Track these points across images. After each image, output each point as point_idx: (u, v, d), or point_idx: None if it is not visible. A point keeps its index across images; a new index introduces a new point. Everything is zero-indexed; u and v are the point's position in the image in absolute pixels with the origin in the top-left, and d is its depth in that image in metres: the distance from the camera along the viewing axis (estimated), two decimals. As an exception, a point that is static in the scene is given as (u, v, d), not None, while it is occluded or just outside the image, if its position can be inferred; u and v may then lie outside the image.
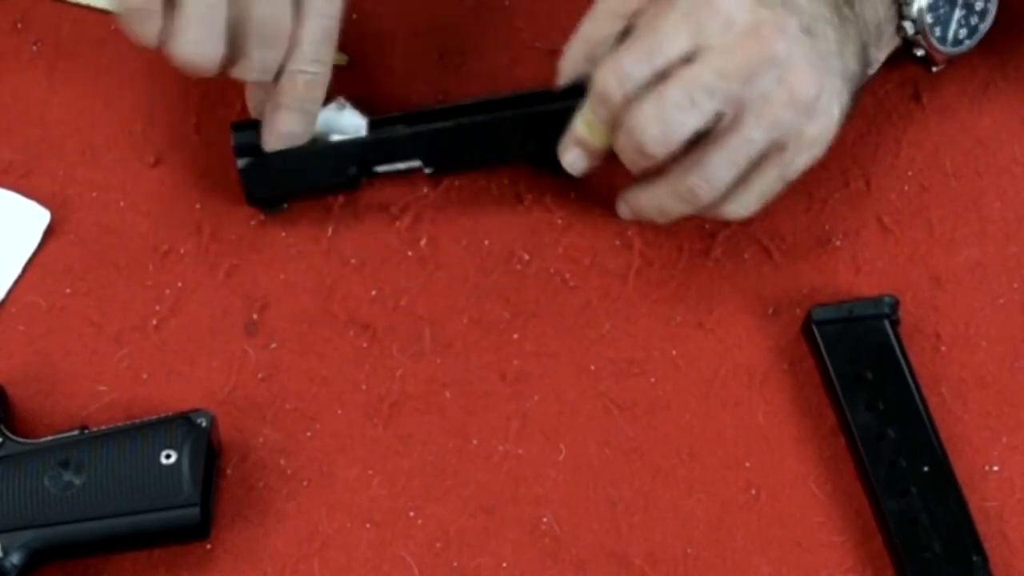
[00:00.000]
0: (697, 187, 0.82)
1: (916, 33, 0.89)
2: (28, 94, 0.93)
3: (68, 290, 0.88)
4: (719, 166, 0.82)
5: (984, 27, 0.91)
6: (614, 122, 0.83)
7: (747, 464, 0.85)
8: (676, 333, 0.88)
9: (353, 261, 0.89)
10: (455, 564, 0.82)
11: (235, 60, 0.83)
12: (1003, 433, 0.85)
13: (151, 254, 0.89)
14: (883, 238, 0.90)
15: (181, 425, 0.81)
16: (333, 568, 0.82)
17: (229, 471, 0.84)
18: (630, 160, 0.83)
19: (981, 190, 0.91)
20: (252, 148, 0.86)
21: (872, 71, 0.88)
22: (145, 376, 0.86)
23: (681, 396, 0.86)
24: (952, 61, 0.92)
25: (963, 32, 0.90)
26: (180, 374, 0.86)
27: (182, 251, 0.89)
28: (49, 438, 0.81)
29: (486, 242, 0.90)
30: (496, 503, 0.84)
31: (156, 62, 0.93)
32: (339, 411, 0.86)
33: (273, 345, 0.87)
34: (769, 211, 0.89)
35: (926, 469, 0.82)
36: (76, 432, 0.81)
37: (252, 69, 0.83)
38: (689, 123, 0.80)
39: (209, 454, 0.81)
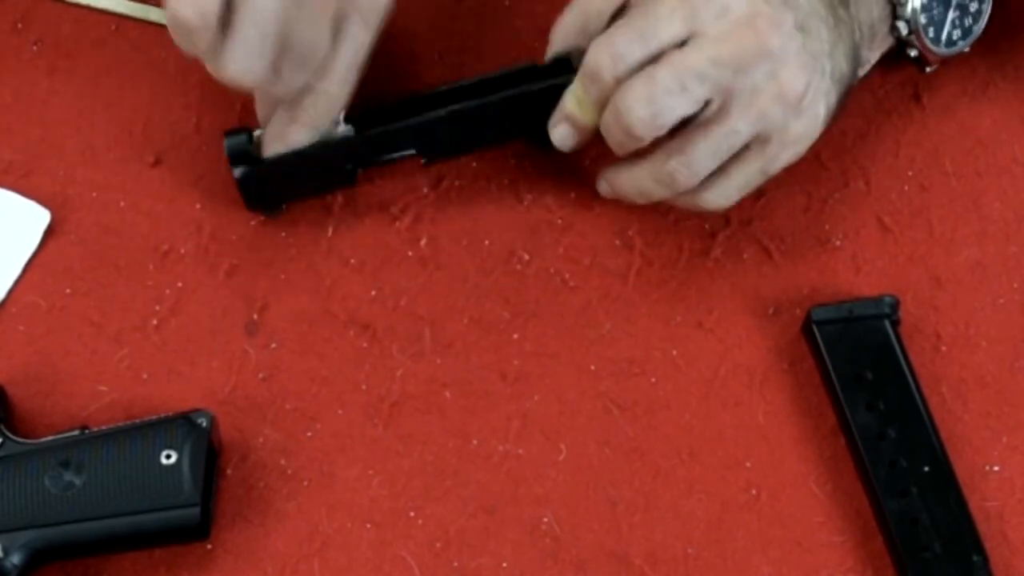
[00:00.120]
0: (677, 172, 0.82)
1: (910, 34, 0.89)
2: (28, 94, 0.93)
3: (68, 290, 0.88)
4: (701, 153, 0.82)
5: (978, 28, 0.91)
6: (603, 101, 0.83)
7: (747, 464, 0.85)
8: (676, 333, 0.88)
9: (353, 261, 0.89)
10: (455, 564, 0.82)
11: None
12: (1003, 433, 0.85)
13: (151, 254, 0.89)
14: (883, 238, 0.90)
15: (181, 425, 0.81)
16: (333, 568, 0.82)
17: (229, 471, 0.84)
18: (616, 141, 0.83)
19: (981, 190, 0.91)
20: (246, 155, 0.86)
21: (863, 72, 0.88)
22: (145, 376, 0.86)
23: (681, 396, 0.86)
24: (946, 61, 0.92)
25: (957, 33, 0.91)
26: (180, 374, 0.86)
27: (182, 251, 0.89)
28: (49, 438, 0.81)
29: (486, 242, 0.90)
30: (496, 503, 0.84)
31: (156, 62, 0.93)
32: (339, 411, 0.86)
33: (273, 345, 0.87)
34: (769, 211, 0.90)
35: (926, 469, 0.82)
36: (76, 432, 0.81)
37: (281, 85, 0.83)
38: (678, 108, 0.80)
39: (209, 454, 0.81)
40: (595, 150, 0.87)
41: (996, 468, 0.85)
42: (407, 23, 0.95)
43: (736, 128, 0.81)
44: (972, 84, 0.94)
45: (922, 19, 0.89)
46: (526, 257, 0.89)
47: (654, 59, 0.81)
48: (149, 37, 0.94)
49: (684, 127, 0.82)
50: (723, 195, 0.84)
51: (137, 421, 0.82)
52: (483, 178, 0.91)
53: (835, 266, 0.89)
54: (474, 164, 0.91)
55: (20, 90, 0.93)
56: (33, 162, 0.91)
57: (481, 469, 0.84)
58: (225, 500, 0.83)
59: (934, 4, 0.89)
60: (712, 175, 0.83)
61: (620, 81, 0.81)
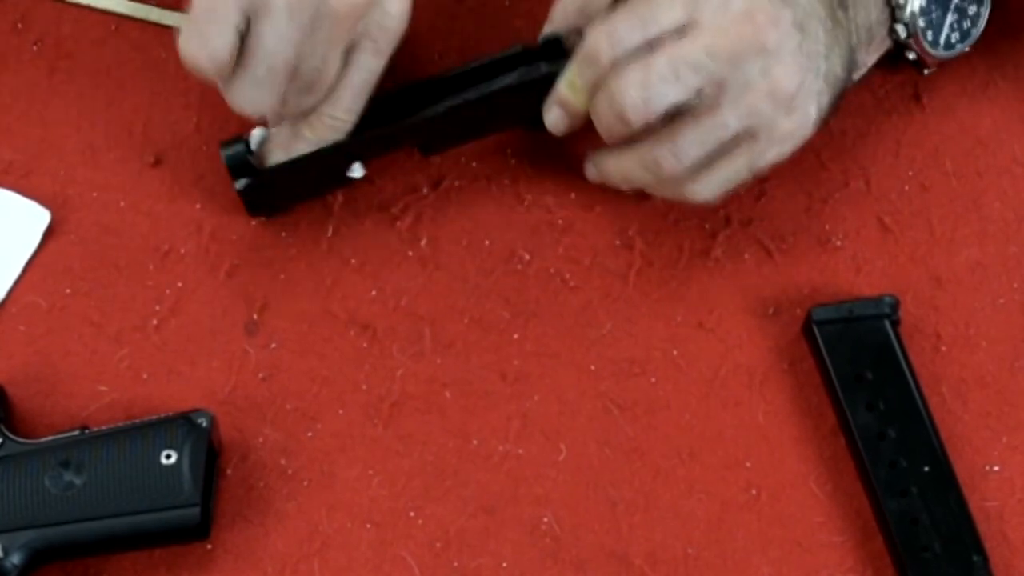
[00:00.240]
0: (664, 160, 0.82)
1: (908, 37, 0.89)
2: (28, 94, 0.93)
3: (68, 290, 0.88)
4: (689, 143, 0.82)
5: (976, 31, 0.91)
6: (597, 85, 0.83)
7: (747, 464, 0.85)
8: (676, 333, 0.88)
9: (353, 261, 0.89)
10: (455, 564, 0.82)
11: None
12: (1003, 433, 0.85)
13: (151, 254, 0.89)
14: (883, 238, 0.90)
15: (181, 425, 0.81)
16: (333, 568, 0.82)
17: (229, 471, 0.84)
18: (606, 125, 0.83)
19: (981, 190, 0.91)
20: (246, 165, 0.86)
21: (859, 75, 0.88)
22: (145, 376, 0.86)
23: (681, 396, 0.86)
24: (944, 63, 0.92)
25: (955, 36, 0.91)
26: (180, 374, 0.86)
27: (182, 251, 0.89)
28: (49, 438, 0.81)
29: (486, 242, 0.90)
30: (496, 503, 0.84)
31: (156, 62, 0.93)
32: (339, 411, 0.86)
33: (273, 345, 0.87)
34: (770, 211, 0.90)
35: (926, 469, 0.82)
36: (76, 432, 0.81)
37: (288, 109, 0.84)
38: (671, 95, 0.80)
39: (209, 454, 0.81)
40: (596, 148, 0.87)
41: (996, 468, 0.85)
42: (407, 23, 0.95)
43: (725, 121, 0.81)
44: (972, 84, 0.94)
45: (921, 22, 0.89)
46: (526, 257, 0.89)
47: (651, 47, 0.81)
48: (149, 37, 0.94)
49: (674, 117, 0.82)
50: (707, 188, 0.84)
51: (137, 421, 0.82)
52: (483, 178, 0.91)
53: (835, 266, 0.89)
54: (474, 164, 0.91)
55: (20, 90, 0.93)
56: (33, 162, 0.91)
57: (481, 469, 0.84)
58: (225, 500, 0.83)
59: (933, 7, 0.89)
60: (698, 167, 0.83)
61: (617, 65, 0.81)
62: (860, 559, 0.83)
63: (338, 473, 0.84)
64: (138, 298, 0.88)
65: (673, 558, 0.83)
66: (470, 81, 0.87)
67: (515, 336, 0.87)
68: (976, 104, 0.94)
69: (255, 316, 0.88)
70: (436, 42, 0.95)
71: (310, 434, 0.85)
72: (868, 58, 0.89)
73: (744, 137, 0.82)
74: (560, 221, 0.90)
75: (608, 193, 0.89)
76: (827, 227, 0.90)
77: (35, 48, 0.94)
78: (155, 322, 0.87)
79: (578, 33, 0.84)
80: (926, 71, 0.93)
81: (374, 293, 0.88)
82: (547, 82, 0.85)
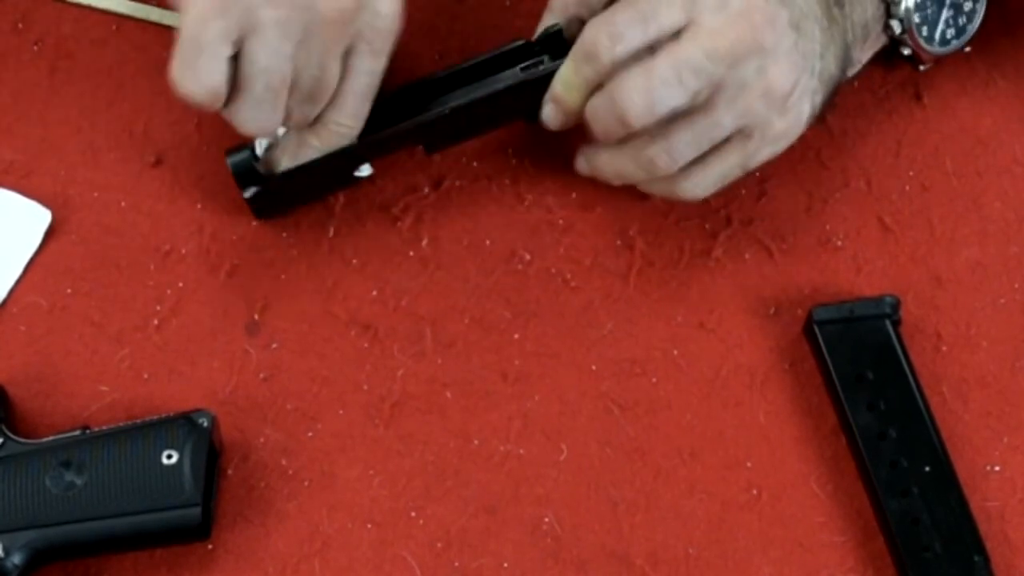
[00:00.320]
0: (657, 158, 0.83)
1: (903, 33, 0.89)
2: (28, 94, 0.93)
3: (69, 290, 0.88)
4: (683, 142, 0.82)
5: (972, 27, 0.91)
6: (594, 84, 0.83)
7: (748, 464, 0.85)
8: (677, 333, 0.88)
9: (354, 261, 0.89)
10: (456, 564, 0.82)
11: None
12: (1004, 433, 0.85)
13: (152, 254, 0.89)
14: (884, 238, 0.90)
15: (182, 425, 0.81)
16: (334, 568, 0.82)
17: (230, 471, 0.84)
18: (604, 126, 0.83)
19: (981, 190, 0.91)
20: (252, 173, 0.86)
21: (853, 72, 0.88)
22: (146, 376, 0.86)
23: (682, 396, 0.86)
24: (943, 60, 0.92)
25: (951, 32, 0.91)
26: (181, 374, 0.86)
27: (183, 251, 0.89)
28: (50, 438, 0.81)
29: (487, 242, 0.90)
30: (497, 503, 0.84)
31: (156, 62, 0.93)
32: (340, 411, 0.86)
33: (274, 345, 0.87)
34: (770, 211, 0.90)
35: (927, 469, 0.82)
36: (77, 432, 0.81)
37: (294, 119, 0.84)
38: (673, 99, 0.81)
39: (210, 454, 0.81)
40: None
41: (997, 468, 0.85)
42: (407, 23, 0.95)
43: (720, 121, 0.81)
44: (972, 84, 0.94)
45: (916, 18, 0.89)
46: (527, 257, 0.89)
47: (651, 48, 0.81)
48: (149, 37, 0.94)
49: (669, 115, 0.82)
50: (699, 185, 0.85)
51: (138, 421, 0.82)
52: (484, 178, 0.91)
53: (836, 266, 0.89)
54: (474, 164, 0.91)
55: (20, 90, 0.93)
56: (34, 162, 0.91)
57: (482, 469, 0.84)
58: (226, 500, 0.83)
59: (928, 3, 0.89)
60: (691, 164, 0.83)
61: (617, 64, 0.81)
62: (861, 559, 0.83)
63: (339, 473, 0.84)
64: (139, 298, 0.88)
65: (674, 558, 0.83)
66: (472, 77, 0.87)
67: (516, 336, 0.87)
68: (976, 103, 0.94)
69: (256, 316, 0.88)
70: (436, 42, 0.95)
71: (311, 434, 0.85)
72: (863, 55, 0.89)
73: (738, 136, 0.82)
74: (560, 221, 0.90)
75: (608, 193, 0.89)
76: (827, 227, 0.90)
77: (35, 48, 0.94)
78: (156, 322, 0.87)
79: (579, 22, 0.85)
80: (922, 67, 0.93)
81: (375, 293, 0.88)
82: (550, 79, 0.85)
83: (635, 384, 0.86)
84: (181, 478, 0.79)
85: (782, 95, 0.81)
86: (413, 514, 0.83)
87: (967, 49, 0.93)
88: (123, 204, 0.90)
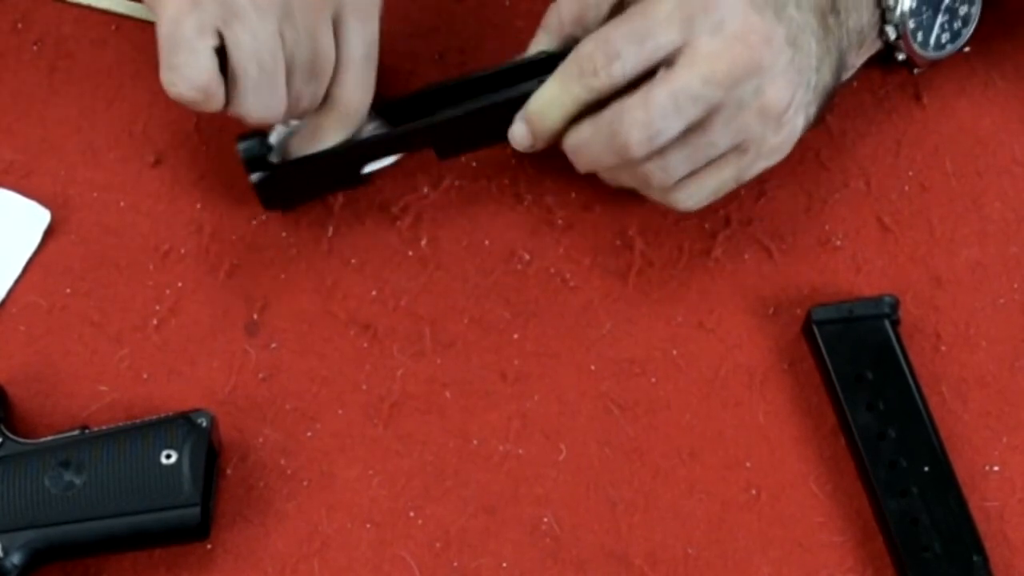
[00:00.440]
0: (652, 174, 0.83)
1: (898, 38, 0.89)
2: (28, 94, 0.93)
3: (68, 290, 0.88)
4: (678, 159, 0.82)
5: (967, 32, 0.91)
6: (582, 104, 0.82)
7: (747, 464, 0.85)
8: (677, 333, 0.88)
9: (354, 261, 0.89)
10: (455, 564, 0.82)
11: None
12: (1003, 433, 0.85)
13: (151, 254, 0.89)
14: (883, 238, 0.90)
15: (181, 425, 0.81)
16: (333, 568, 0.82)
17: (229, 471, 0.84)
18: (596, 156, 0.83)
19: (981, 190, 0.91)
20: (260, 160, 0.86)
21: (847, 76, 0.88)
22: (145, 376, 0.86)
23: (682, 396, 0.86)
24: (941, 62, 0.92)
25: (945, 37, 0.91)
26: (180, 374, 0.86)
27: (182, 251, 0.89)
28: (49, 438, 0.81)
29: (486, 242, 0.90)
30: (496, 503, 0.84)
31: (156, 62, 0.93)
32: (339, 411, 0.86)
33: (273, 345, 0.87)
34: (770, 211, 0.90)
35: (926, 469, 0.82)
36: (76, 432, 0.81)
37: (302, 100, 0.83)
38: (673, 128, 0.80)
39: (209, 454, 0.81)
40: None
41: (996, 468, 0.85)
42: (407, 23, 0.95)
43: (716, 140, 0.82)
44: (972, 84, 0.94)
45: (911, 24, 0.89)
46: (526, 257, 0.89)
47: (648, 73, 0.80)
48: (149, 37, 0.94)
49: None
50: (693, 197, 0.85)
51: (137, 421, 0.82)
52: (483, 178, 0.91)
53: (835, 266, 0.89)
54: (474, 164, 0.91)
55: (20, 90, 0.93)
56: (33, 162, 0.91)
57: (481, 469, 0.84)
58: (225, 500, 0.83)
59: (923, 8, 0.89)
60: (686, 177, 0.83)
61: (613, 84, 0.81)
62: (860, 559, 0.83)
63: (338, 473, 0.84)
64: (138, 298, 0.88)
65: (673, 558, 0.83)
66: (491, 86, 0.86)
67: (515, 336, 0.87)
68: (976, 104, 0.94)
69: (255, 316, 0.88)
70: (436, 42, 0.95)
71: (310, 434, 0.85)
72: (858, 60, 0.89)
73: (733, 152, 0.83)
74: (560, 221, 0.90)
75: (608, 193, 0.89)
76: (827, 227, 0.90)
77: (35, 48, 0.94)
78: (155, 322, 0.87)
79: (574, 42, 0.84)
80: (916, 71, 0.93)
81: (374, 293, 0.88)
82: None
83: (634, 384, 0.86)
84: (180, 478, 0.79)
85: (778, 113, 0.81)
86: (412, 514, 0.83)
87: (966, 49, 0.93)
88: (123, 204, 0.90)
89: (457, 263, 0.89)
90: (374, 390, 0.86)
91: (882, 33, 0.89)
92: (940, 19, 0.90)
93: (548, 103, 0.83)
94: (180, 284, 0.88)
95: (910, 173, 0.92)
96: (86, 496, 0.79)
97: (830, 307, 0.86)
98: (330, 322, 0.88)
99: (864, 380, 0.84)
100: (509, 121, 0.85)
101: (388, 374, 0.86)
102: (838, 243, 0.90)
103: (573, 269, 0.89)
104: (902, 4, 0.88)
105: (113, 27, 0.95)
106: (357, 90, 0.84)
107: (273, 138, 0.87)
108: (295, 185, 0.88)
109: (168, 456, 0.80)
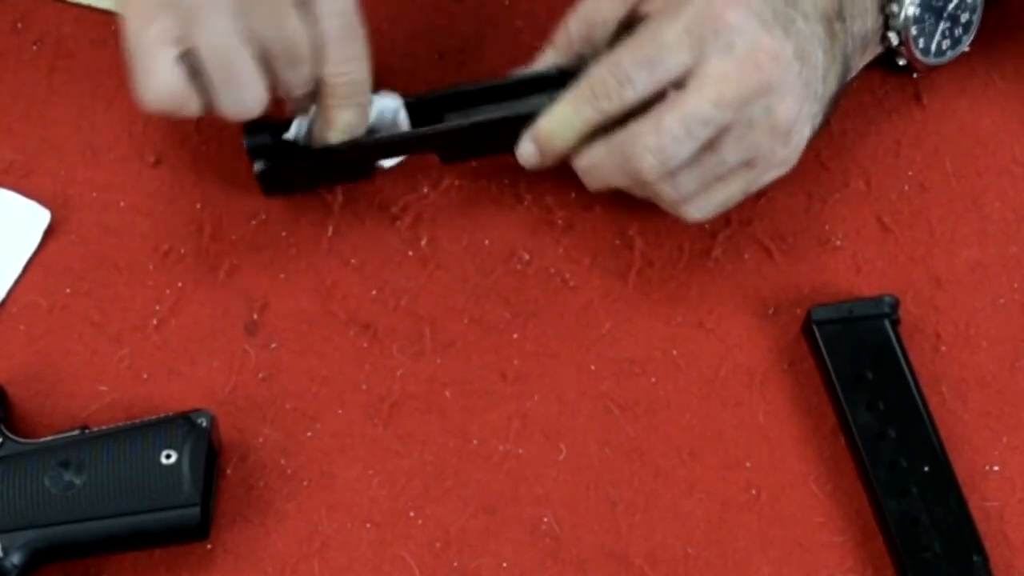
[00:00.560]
0: (662, 192, 0.83)
1: (900, 44, 0.89)
2: (28, 94, 0.93)
3: (68, 290, 0.88)
4: (688, 178, 0.83)
5: (967, 39, 0.92)
6: (594, 127, 0.83)
7: (747, 464, 0.85)
8: (676, 333, 0.88)
9: (353, 261, 0.89)
10: (455, 564, 0.82)
11: (274, 84, 0.82)
12: (1003, 433, 0.85)
13: (151, 254, 0.89)
14: (883, 238, 0.90)
15: (181, 425, 0.81)
16: (333, 568, 0.82)
17: (229, 471, 0.84)
18: (607, 177, 0.84)
19: (981, 190, 0.91)
20: (266, 149, 0.86)
21: (848, 78, 0.88)
22: (145, 376, 0.86)
23: (681, 396, 0.86)
24: (935, 67, 0.92)
25: (946, 43, 0.91)
26: (180, 374, 0.86)
27: (182, 251, 0.89)
28: (49, 438, 0.81)
29: (486, 242, 0.90)
30: (496, 503, 0.84)
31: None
32: (339, 411, 0.86)
33: (273, 345, 0.87)
34: (770, 211, 0.90)
35: (926, 469, 0.82)
36: (76, 432, 0.81)
37: (293, 88, 0.83)
38: (685, 151, 0.81)
39: (209, 454, 0.81)
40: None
41: (996, 468, 0.85)
42: (407, 23, 0.95)
43: (726, 159, 0.82)
44: (972, 84, 0.94)
45: (913, 30, 0.89)
46: (526, 257, 0.89)
47: (659, 95, 0.81)
48: (149, 37, 0.94)
49: None
50: (702, 210, 0.85)
51: (137, 421, 0.82)
52: (483, 178, 0.91)
53: (835, 266, 0.89)
54: (474, 164, 0.91)
55: (20, 90, 0.93)
56: (33, 162, 0.91)
57: (481, 469, 0.84)
58: (225, 500, 0.83)
59: (926, 16, 0.89)
60: (695, 192, 0.84)
61: (625, 105, 0.81)
62: (860, 559, 0.83)
63: (338, 473, 0.84)
64: (138, 298, 0.88)
65: (673, 558, 0.83)
66: (502, 96, 0.87)
67: (515, 336, 0.87)
68: (976, 104, 0.94)
69: (255, 316, 0.88)
70: (436, 42, 0.95)
71: (310, 434, 0.85)
72: (859, 64, 0.89)
73: (742, 166, 0.83)
74: (560, 221, 0.90)
75: (608, 193, 0.89)
76: (827, 227, 0.90)
77: (35, 48, 0.94)
78: (155, 322, 0.87)
79: (581, 59, 0.85)
80: (915, 74, 0.93)
81: (374, 293, 0.88)
82: None
83: (634, 384, 0.86)
84: (180, 478, 0.79)
85: (787, 128, 0.82)
86: (412, 514, 0.83)
87: (967, 49, 0.93)
88: (123, 204, 0.90)
89: (457, 263, 0.89)
90: (374, 390, 0.86)
91: (884, 39, 0.89)
92: (942, 26, 0.90)
93: (559, 125, 0.84)
94: (180, 284, 0.88)
95: (910, 173, 0.92)
96: (86, 496, 0.79)
97: (830, 307, 0.86)
98: (330, 322, 0.88)
99: (864, 380, 0.84)
100: (515, 134, 0.86)
101: (388, 374, 0.86)
102: (838, 243, 0.90)
103: (573, 269, 0.89)
104: (905, 10, 0.88)
105: (113, 27, 0.95)
106: (344, 66, 0.83)
107: (292, 131, 0.86)
108: (296, 177, 0.88)
109: (168, 456, 0.80)
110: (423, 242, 0.89)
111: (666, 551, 0.83)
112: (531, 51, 0.90)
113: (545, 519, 0.83)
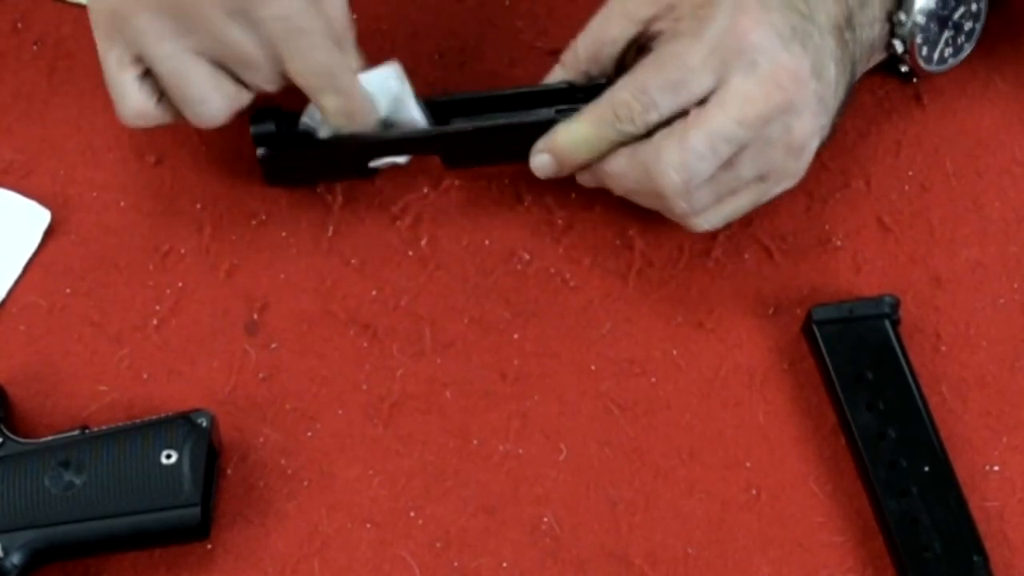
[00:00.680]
0: (677, 206, 0.83)
1: (904, 52, 0.89)
2: (28, 94, 0.93)
3: (68, 290, 0.88)
4: (704, 193, 0.83)
5: (969, 47, 0.92)
6: (616, 146, 0.83)
7: (747, 464, 0.85)
8: (677, 333, 0.88)
9: (353, 261, 0.89)
10: (455, 564, 0.82)
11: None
12: (1003, 433, 0.85)
13: (151, 254, 0.89)
14: (883, 238, 0.90)
15: (181, 425, 0.81)
16: (333, 568, 0.82)
17: (229, 471, 0.84)
18: (628, 187, 0.85)
19: (981, 190, 0.91)
20: (270, 137, 0.86)
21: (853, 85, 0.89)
22: (145, 376, 0.86)
23: (682, 396, 0.86)
24: (934, 74, 0.92)
25: (949, 51, 0.91)
26: (180, 374, 0.86)
27: (182, 251, 0.89)
28: (50, 438, 0.81)
29: (486, 242, 0.90)
30: (496, 503, 0.84)
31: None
32: (339, 411, 0.86)
33: (273, 345, 0.87)
34: (770, 211, 0.90)
35: (926, 469, 0.82)
36: (77, 432, 0.81)
37: (263, 87, 0.83)
38: (707, 169, 0.82)
39: (209, 454, 0.81)
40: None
41: (996, 468, 0.85)
42: (407, 23, 0.95)
43: (742, 175, 0.83)
44: (972, 85, 0.94)
45: (918, 38, 0.89)
46: (526, 257, 0.89)
47: (681, 115, 0.81)
48: (149, 37, 0.94)
49: None
50: (711, 222, 0.86)
51: (137, 421, 0.82)
52: (483, 178, 0.91)
53: (835, 266, 0.89)
54: (474, 164, 0.91)
55: (20, 90, 0.93)
56: (33, 162, 0.91)
57: (481, 469, 0.84)
58: (225, 500, 0.83)
59: (931, 24, 0.89)
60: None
61: (648, 127, 0.82)
62: (860, 559, 0.83)
63: (338, 473, 0.84)
64: (138, 298, 0.88)
65: (673, 558, 0.83)
66: (510, 105, 0.87)
67: (515, 336, 0.87)
68: (976, 105, 0.94)
69: (255, 316, 0.88)
70: (436, 42, 0.95)
71: (310, 434, 0.85)
72: (863, 71, 0.90)
73: (755, 180, 0.84)
74: (560, 221, 0.90)
75: (608, 193, 0.88)
76: (827, 227, 0.90)
77: (35, 48, 0.94)
78: (155, 322, 0.87)
79: (587, 76, 0.85)
80: (915, 80, 0.93)
81: (374, 293, 0.88)
82: None
83: (634, 384, 0.86)
84: (180, 478, 0.79)
85: (801, 145, 0.83)
86: (412, 514, 0.83)
87: (958, 63, 0.93)
88: (122, 204, 0.90)
89: (457, 263, 0.89)
90: (374, 390, 0.86)
91: (889, 46, 0.89)
92: (946, 34, 0.90)
93: (580, 141, 0.84)
94: (180, 284, 0.88)
95: (910, 173, 0.92)
96: (86, 496, 0.79)
97: (830, 307, 0.86)
98: (330, 322, 0.88)
99: (864, 380, 0.84)
100: (520, 143, 0.86)
101: (388, 374, 0.86)
102: (838, 243, 0.90)
103: (573, 269, 0.89)
104: (912, 18, 0.88)
105: (113, 27, 0.95)
106: (300, 63, 0.82)
107: (306, 117, 0.86)
108: (299, 167, 0.88)
109: (168, 456, 0.80)
110: (423, 242, 0.89)
111: (666, 551, 0.83)
112: (531, 51, 0.90)
113: (545, 519, 0.83)
